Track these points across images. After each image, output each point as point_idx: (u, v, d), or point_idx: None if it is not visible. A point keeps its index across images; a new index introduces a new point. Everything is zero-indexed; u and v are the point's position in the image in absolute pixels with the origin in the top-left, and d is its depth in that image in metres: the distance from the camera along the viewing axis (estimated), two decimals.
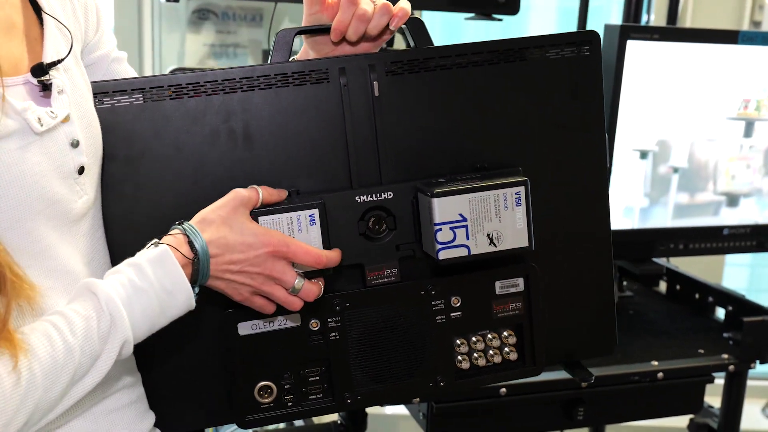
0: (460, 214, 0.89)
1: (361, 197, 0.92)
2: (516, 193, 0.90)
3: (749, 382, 1.58)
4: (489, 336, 0.97)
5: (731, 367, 1.47)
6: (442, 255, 0.89)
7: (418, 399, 1.30)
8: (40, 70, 0.80)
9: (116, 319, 0.75)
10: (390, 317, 0.93)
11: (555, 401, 1.40)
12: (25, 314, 0.75)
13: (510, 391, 1.34)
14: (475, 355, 0.96)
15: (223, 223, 0.82)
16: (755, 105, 1.61)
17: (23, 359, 0.70)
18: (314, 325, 0.91)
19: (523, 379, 1.34)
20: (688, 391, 1.47)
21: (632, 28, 1.54)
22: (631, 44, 1.51)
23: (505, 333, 0.97)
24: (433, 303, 0.94)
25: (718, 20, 2.56)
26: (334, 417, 1.41)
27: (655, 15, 2.31)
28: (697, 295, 1.69)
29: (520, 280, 0.97)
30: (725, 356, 1.48)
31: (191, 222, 0.82)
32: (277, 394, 0.91)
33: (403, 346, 0.94)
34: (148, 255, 0.79)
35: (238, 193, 0.84)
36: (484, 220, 0.90)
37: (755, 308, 1.54)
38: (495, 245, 0.90)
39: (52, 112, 0.79)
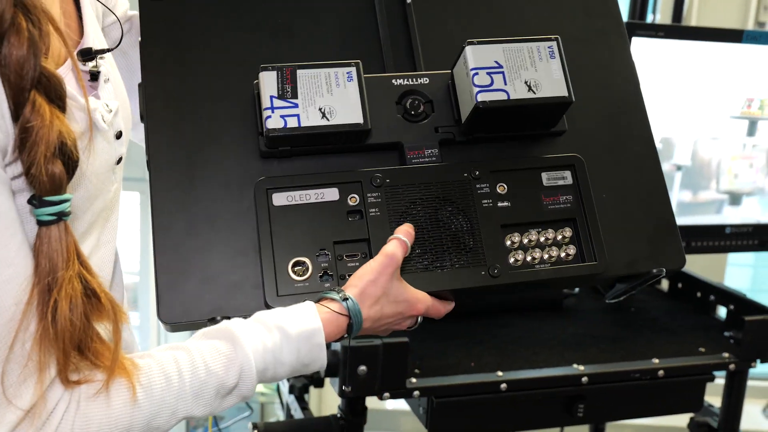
0: (496, 61, 0.90)
1: (398, 81, 0.94)
2: (549, 47, 0.91)
3: (750, 383, 1.57)
4: (543, 230, 0.94)
5: (732, 366, 1.47)
6: (481, 97, 0.88)
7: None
8: (88, 55, 0.76)
9: (244, 381, 0.76)
10: (434, 197, 0.91)
11: (555, 397, 1.40)
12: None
13: (510, 387, 1.34)
14: (530, 248, 0.93)
15: (383, 295, 0.84)
16: (759, 104, 1.61)
17: (138, 390, 0.70)
18: (353, 200, 0.89)
19: (523, 374, 1.37)
20: (688, 389, 1.47)
21: (637, 25, 1.54)
22: (636, 41, 1.52)
23: (560, 228, 0.94)
24: (478, 186, 0.93)
25: (723, 20, 2.56)
26: (333, 410, 1.41)
27: (660, 14, 2.30)
28: (698, 294, 1.69)
29: (568, 174, 0.96)
30: (726, 355, 1.48)
31: (353, 295, 0.82)
32: (313, 271, 0.87)
33: (449, 229, 0.91)
34: (301, 327, 0.78)
35: (394, 258, 0.85)
36: (520, 68, 0.90)
37: (756, 307, 1.54)
38: (534, 92, 0.89)
39: (107, 105, 0.77)
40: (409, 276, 0.89)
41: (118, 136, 0.80)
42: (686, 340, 1.53)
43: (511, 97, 0.89)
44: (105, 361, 0.68)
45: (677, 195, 1.63)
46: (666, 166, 1.62)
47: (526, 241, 0.93)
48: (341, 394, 1.27)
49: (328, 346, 0.84)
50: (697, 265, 1.84)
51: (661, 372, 1.41)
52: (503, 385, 1.34)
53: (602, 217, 0.95)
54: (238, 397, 0.77)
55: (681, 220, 1.64)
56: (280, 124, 0.86)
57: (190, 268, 0.86)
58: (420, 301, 0.87)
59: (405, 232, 0.86)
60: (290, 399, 1.58)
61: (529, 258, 0.92)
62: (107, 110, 0.77)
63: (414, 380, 1.29)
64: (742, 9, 2.59)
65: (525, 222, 0.93)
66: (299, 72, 0.88)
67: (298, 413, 1.55)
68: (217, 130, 0.90)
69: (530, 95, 0.89)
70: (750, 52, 1.58)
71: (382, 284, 0.83)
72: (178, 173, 0.89)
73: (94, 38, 0.79)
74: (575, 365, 1.40)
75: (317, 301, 0.83)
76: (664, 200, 1.00)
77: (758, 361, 1.49)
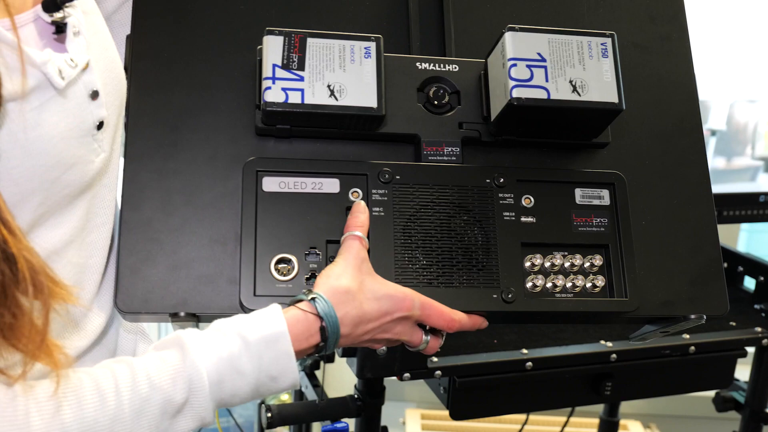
0: (539, 53, 0.78)
1: (423, 64, 0.83)
2: (602, 44, 0.80)
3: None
4: (569, 254, 0.82)
5: (765, 341, 1.41)
6: (516, 93, 0.77)
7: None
8: (53, 4, 0.67)
9: (195, 396, 0.65)
10: (449, 202, 0.80)
11: (582, 376, 1.34)
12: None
13: (536, 365, 1.27)
14: (551, 273, 0.81)
15: (359, 291, 0.72)
16: None
17: (66, 409, 0.60)
18: (355, 195, 0.79)
19: (549, 351, 1.30)
20: (719, 365, 1.41)
21: None
22: None
23: (590, 254, 0.82)
24: (500, 195, 0.82)
25: None
26: (346, 386, 1.34)
27: None
28: (725, 264, 1.62)
29: (606, 193, 0.84)
30: (758, 329, 1.41)
31: (323, 293, 0.71)
32: (299, 272, 0.76)
33: (462, 241, 0.79)
34: (263, 331, 0.67)
35: (359, 251, 0.74)
36: (566, 64, 0.79)
37: None
38: (579, 94, 0.78)
39: (71, 60, 0.66)
40: (409, 288, 0.77)
41: (94, 96, 0.69)
42: None
43: (551, 97, 0.77)
44: (24, 341, 0.57)
45: (711, 162, 1.55)
46: None
47: (548, 264, 0.81)
48: (360, 375, 1.20)
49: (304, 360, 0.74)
50: None
51: (692, 348, 1.35)
52: (528, 364, 1.27)
53: (639, 247, 0.84)
54: (192, 419, 0.65)
55: (714, 188, 1.56)
56: (280, 98, 0.76)
57: (158, 251, 0.76)
58: (408, 297, 0.74)
59: (356, 226, 0.76)
60: (300, 375, 1.52)
61: (549, 284, 0.81)
62: (71, 65, 0.66)
63: (435, 359, 1.23)
64: None
65: (550, 243, 0.82)
66: (310, 41, 0.77)
67: (309, 391, 1.48)
68: (210, 96, 0.80)
69: (574, 97, 0.78)
70: None
71: (352, 277, 0.72)
72: (158, 138, 0.78)
73: None
74: (602, 342, 1.33)
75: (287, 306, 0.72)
76: (712, 238, 0.87)
77: None
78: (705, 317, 0.85)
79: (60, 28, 0.68)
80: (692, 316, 0.84)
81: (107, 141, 0.73)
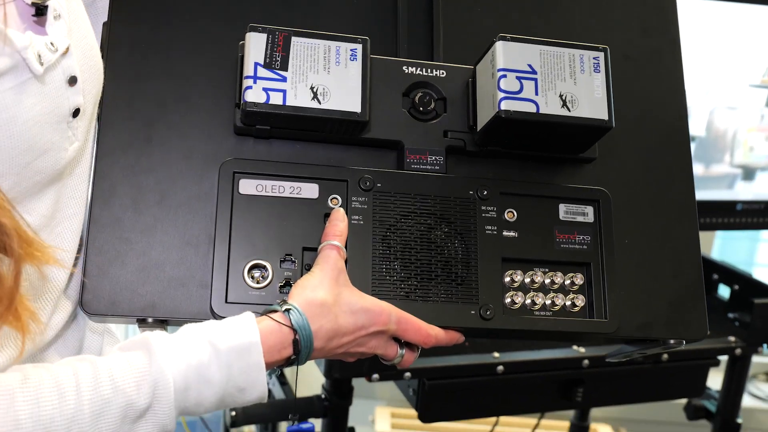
0: (529, 65, 0.77)
1: (410, 68, 0.81)
2: (594, 58, 0.78)
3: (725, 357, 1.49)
4: (550, 271, 0.80)
5: (738, 351, 1.40)
6: (505, 105, 0.75)
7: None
8: None
9: (159, 402, 0.62)
10: (430, 213, 0.78)
11: (553, 381, 1.32)
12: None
13: (507, 369, 1.26)
14: (531, 290, 0.79)
15: (335, 304, 0.71)
16: None
17: (22, 404, 0.57)
18: (334, 201, 0.77)
19: (521, 356, 1.29)
20: (691, 373, 1.40)
21: None
22: None
23: (571, 272, 0.80)
24: (483, 208, 0.80)
25: None
26: (317, 390, 1.31)
27: None
28: None
29: (590, 210, 0.83)
30: (732, 339, 1.41)
31: (297, 305, 0.69)
32: (273, 279, 0.74)
33: (442, 254, 0.78)
34: (234, 340, 0.65)
35: (336, 262, 0.72)
36: (556, 78, 0.77)
37: (763, 288, 1.47)
38: (568, 109, 0.76)
39: (51, 44, 0.64)
40: (386, 301, 0.75)
41: (72, 81, 0.67)
42: None
43: (540, 111, 0.76)
44: None
45: None
46: None
47: (528, 281, 0.80)
48: (328, 375, 1.18)
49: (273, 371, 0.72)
50: None
51: (665, 356, 1.34)
52: (500, 368, 1.25)
53: (621, 267, 0.82)
54: (153, 425, 0.63)
55: None
56: (261, 98, 0.74)
57: (127, 251, 0.73)
58: (384, 311, 0.72)
59: (335, 235, 0.74)
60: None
61: (528, 301, 0.79)
62: (51, 49, 0.64)
63: None
64: None
65: (531, 259, 0.80)
66: (294, 39, 0.75)
67: (276, 388, 1.45)
68: (188, 91, 0.78)
69: (564, 112, 0.76)
70: None
71: (329, 289, 0.71)
72: (132, 133, 0.76)
73: None
74: (575, 347, 1.32)
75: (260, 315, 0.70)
76: (695, 259, 0.85)
77: (765, 345, 1.43)
78: (684, 343, 0.83)
79: (40, 10, 0.65)
80: (671, 341, 0.82)
81: (82, 130, 0.70)
